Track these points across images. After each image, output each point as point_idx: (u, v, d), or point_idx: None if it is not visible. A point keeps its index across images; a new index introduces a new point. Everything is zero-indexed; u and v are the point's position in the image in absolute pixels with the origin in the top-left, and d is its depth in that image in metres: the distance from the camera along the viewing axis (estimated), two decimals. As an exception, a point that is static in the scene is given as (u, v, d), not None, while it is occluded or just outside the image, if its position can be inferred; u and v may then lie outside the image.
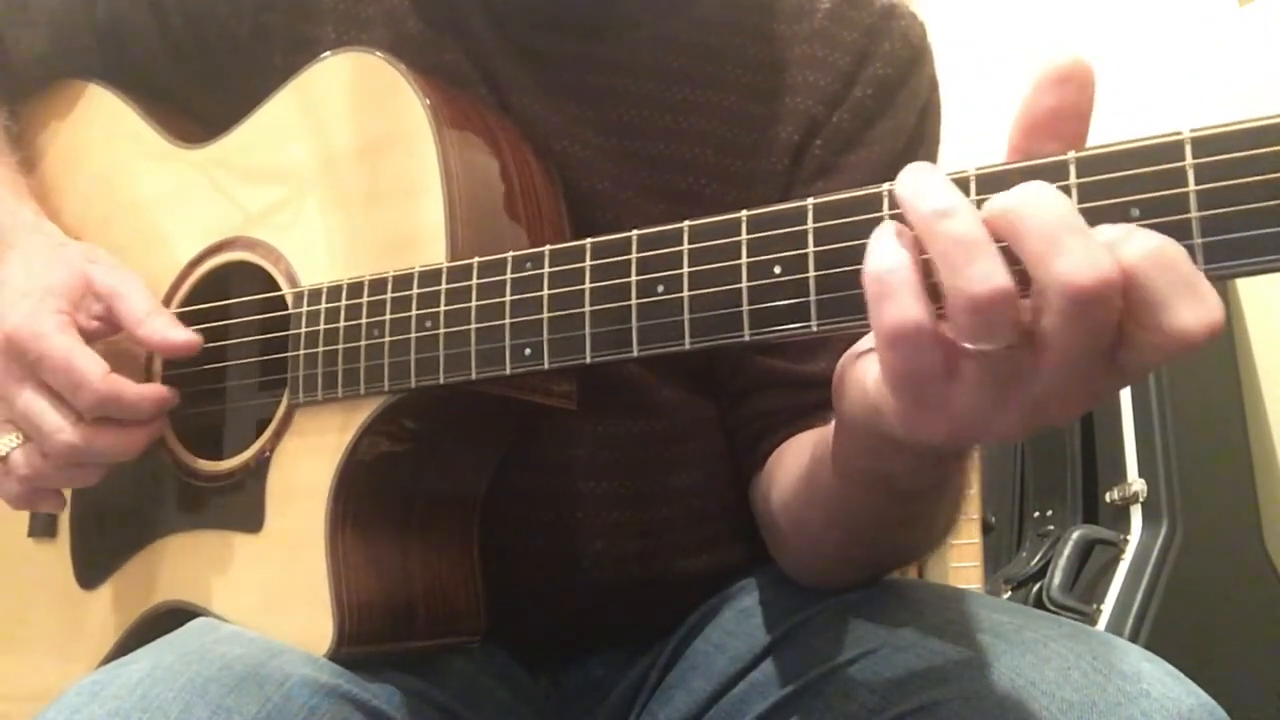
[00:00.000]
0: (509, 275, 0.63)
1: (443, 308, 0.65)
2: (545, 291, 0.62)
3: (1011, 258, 0.43)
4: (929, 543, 0.73)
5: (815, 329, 0.52)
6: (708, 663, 0.76)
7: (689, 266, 0.56)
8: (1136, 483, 1.68)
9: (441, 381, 0.65)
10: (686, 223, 0.57)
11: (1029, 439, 1.88)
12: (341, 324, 0.70)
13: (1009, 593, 1.73)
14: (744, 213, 0.55)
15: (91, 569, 0.82)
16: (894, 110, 0.81)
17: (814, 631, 0.71)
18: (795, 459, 0.73)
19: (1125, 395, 1.73)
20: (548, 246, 0.62)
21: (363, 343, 0.68)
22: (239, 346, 0.78)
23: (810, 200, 0.52)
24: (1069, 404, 0.45)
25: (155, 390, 0.75)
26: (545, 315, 0.61)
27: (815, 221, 0.52)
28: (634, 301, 0.58)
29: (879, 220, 0.50)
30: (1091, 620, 1.56)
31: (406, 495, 0.73)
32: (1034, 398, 0.44)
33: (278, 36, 0.82)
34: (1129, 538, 1.66)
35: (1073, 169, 0.45)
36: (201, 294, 0.80)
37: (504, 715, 0.77)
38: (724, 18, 0.82)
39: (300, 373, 0.71)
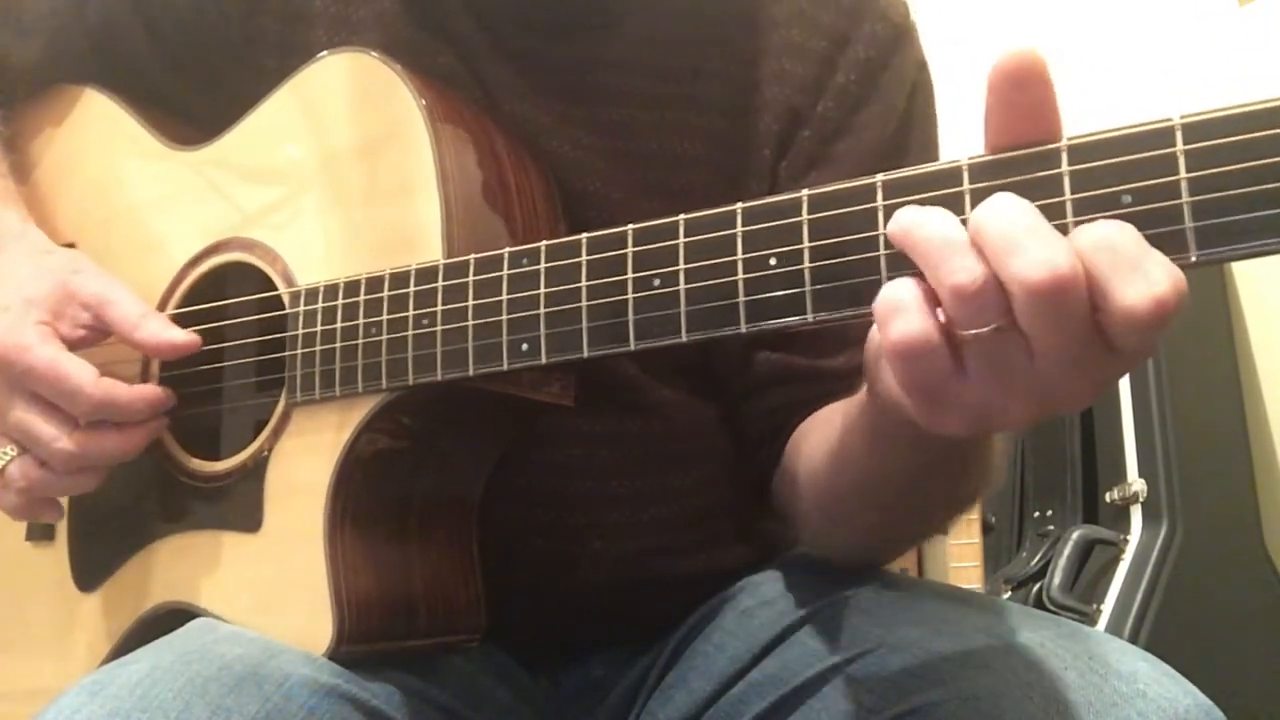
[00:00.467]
0: (505, 272, 0.63)
1: (439, 305, 0.65)
2: (542, 288, 0.62)
3: None
4: (958, 507, 0.73)
5: (811, 320, 0.52)
6: (707, 663, 0.76)
7: (684, 260, 0.56)
8: (1136, 483, 1.68)
9: (439, 378, 0.65)
10: (682, 216, 0.57)
11: (1029, 439, 1.88)
12: (339, 323, 0.70)
13: (1009, 593, 1.73)
14: (739, 205, 0.55)
15: (90, 572, 0.82)
16: (879, 94, 0.80)
17: (813, 631, 0.71)
18: (822, 432, 0.73)
19: (1125, 395, 1.73)
20: (544, 242, 0.62)
21: (360, 341, 0.68)
22: (236, 347, 0.78)
23: (805, 192, 0.53)
24: (1074, 389, 0.46)
25: (150, 390, 0.75)
26: (542, 311, 0.62)
27: (810, 213, 0.52)
28: (630, 296, 0.58)
29: (873, 210, 0.50)
30: (1091, 620, 1.56)
31: (405, 493, 0.73)
32: (1038, 386, 0.46)
33: (268, 41, 0.82)
34: (1129, 538, 1.66)
35: (1064, 157, 0.46)
36: (199, 295, 0.80)
37: (504, 715, 0.77)
38: (707, 9, 0.81)
39: (298, 372, 0.71)
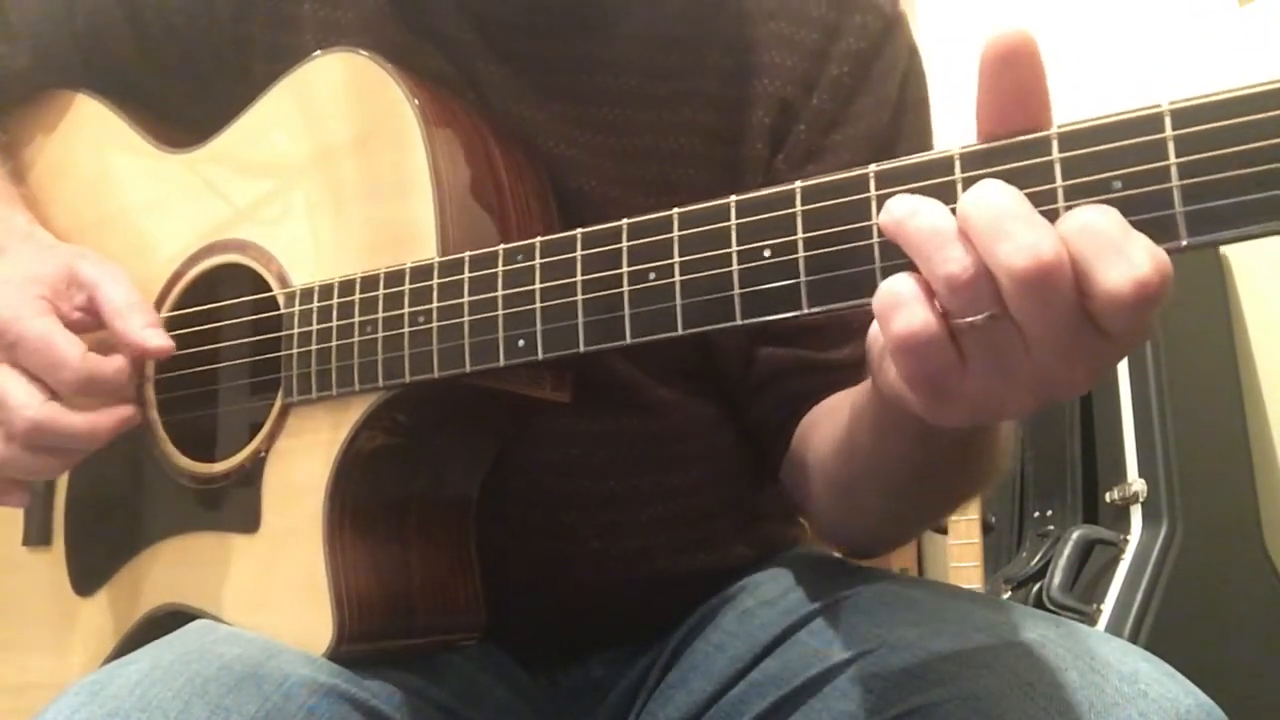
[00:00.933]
0: (500, 268, 0.63)
1: (435, 303, 0.66)
2: (537, 283, 0.62)
3: None
4: (972, 490, 0.73)
5: (806, 311, 0.52)
6: (707, 663, 0.76)
7: (679, 253, 0.57)
8: (1136, 483, 1.68)
9: (436, 376, 0.65)
10: (676, 210, 0.57)
11: (1030, 439, 1.88)
12: (334, 322, 0.70)
13: (1009, 593, 1.73)
14: (733, 198, 0.55)
15: (88, 576, 0.82)
16: (872, 84, 0.80)
17: (813, 632, 0.71)
18: (830, 422, 0.73)
19: (1125, 395, 1.73)
20: (538, 239, 0.63)
21: (356, 340, 0.69)
22: (232, 348, 0.79)
23: (798, 184, 0.53)
24: (1070, 375, 0.47)
25: (123, 361, 0.73)
26: (538, 306, 0.62)
27: (803, 204, 0.53)
28: (625, 290, 0.58)
29: (866, 201, 0.50)
30: (1091, 620, 1.56)
31: (403, 492, 0.73)
32: (1035, 373, 0.47)
33: (257, 46, 0.82)
34: (1129, 538, 1.66)
35: (1054, 144, 0.46)
36: (193, 297, 0.80)
37: (503, 714, 0.77)
38: (700, 6, 0.81)
39: (294, 372, 0.71)
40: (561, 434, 0.77)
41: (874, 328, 0.54)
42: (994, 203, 0.45)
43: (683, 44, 0.80)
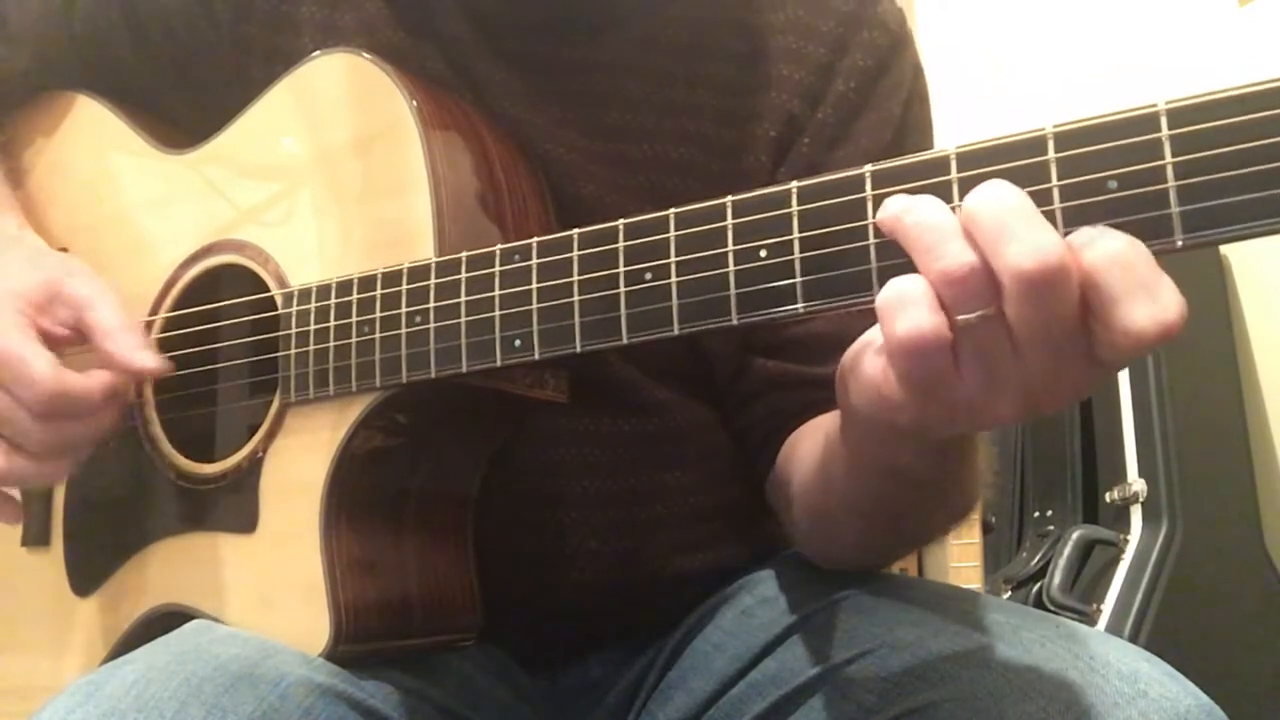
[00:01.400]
0: (497, 268, 0.64)
1: (432, 303, 0.66)
2: (534, 283, 0.62)
3: None
4: (947, 522, 0.73)
5: (802, 311, 0.52)
6: (707, 663, 0.76)
7: (676, 253, 0.57)
8: (1136, 483, 1.68)
9: (433, 375, 0.65)
10: (672, 210, 0.57)
11: (1030, 440, 1.88)
12: (332, 322, 0.70)
13: (1009, 593, 1.73)
14: (729, 198, 0.55)
15: (85, 576, 0.82)
16: (877, 102, 0.81)
17: (812, 631, 0.71)
18: (809, 447, 0.73)
19: (1125, 395, 1.73)
20: (535, 239, 0.63)
21: (353, 340, 0.69)
22: (230, 349, 0.79)
23: (794, 184, 0.53)
24: (1056, 393, 0.47)
25: (101, 379, 0.71)
26: (535, 306, 0.62)
27: (799, 204, 0.53)
28: (622, 289, 0.58)
29: (862, 201, 0.50)
30: (1091, 620, 1.56)
31: (400, 491, 0.73)
32: (1022, 386, 0.47)
33: (255, 48, 0.82)
34: (1129, 538, 1.66)
35: (1050, 144, 0.46)
36: (191, 298, 0.80)
37: (502, 714, 0.77)
38: (705, 14, 0.81)
39: (291, 372, 0.72)
40: (558, 434, 0.77)
41: (850, 349, 0.54)
42: (1002, 202, 0.45)
43: (685, 52, 0.80)
